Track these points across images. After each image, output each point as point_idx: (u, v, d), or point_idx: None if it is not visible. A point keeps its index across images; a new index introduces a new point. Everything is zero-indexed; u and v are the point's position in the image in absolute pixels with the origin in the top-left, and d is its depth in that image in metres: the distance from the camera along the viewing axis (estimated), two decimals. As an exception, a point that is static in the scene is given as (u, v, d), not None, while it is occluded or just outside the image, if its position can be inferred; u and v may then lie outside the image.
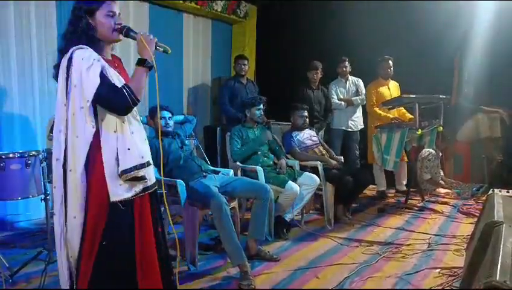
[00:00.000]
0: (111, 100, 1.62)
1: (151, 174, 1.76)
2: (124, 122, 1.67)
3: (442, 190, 4.77)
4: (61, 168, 1.61)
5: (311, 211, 4.03)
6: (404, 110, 4.62)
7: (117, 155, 1.62)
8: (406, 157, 4.54)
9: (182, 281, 2.43)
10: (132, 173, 1.64)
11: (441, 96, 4.09)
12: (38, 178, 2.68)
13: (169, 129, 3.06)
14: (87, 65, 1.57)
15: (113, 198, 1.62)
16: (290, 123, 4.09)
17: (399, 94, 4.53)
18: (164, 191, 1.90)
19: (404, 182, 4.79)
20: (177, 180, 2.72)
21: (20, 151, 2.76)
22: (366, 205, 4.39)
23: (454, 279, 2.41)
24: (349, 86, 4.78)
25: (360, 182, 3.82)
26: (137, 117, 1.79)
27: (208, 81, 5.88)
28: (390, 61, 4.55)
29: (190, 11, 5.44)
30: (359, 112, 4.82)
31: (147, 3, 4.88)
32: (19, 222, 3.70)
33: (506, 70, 4.41)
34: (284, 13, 5.86)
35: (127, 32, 1.71)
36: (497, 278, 1.14)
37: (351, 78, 4.81)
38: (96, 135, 1.62)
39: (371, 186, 4.70)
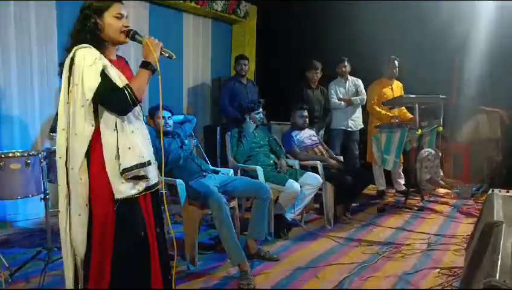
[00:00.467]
0: (111, 99, 1.63)
1: (152, 174, 1.77)
2: (124, 121, 1.67)
3: (441, 190, 4.77)
4: (64, 167, 1.63)
5: (311, 211, 4.03)
6: (405, 110, 4.62)
7: (117, 153, 1.62)
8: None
9: (182, 280, 2.43)
10: (133, 171, 1.64)
11: (441, 96, 4.08)
12: (38, 178, 2.67)
13: (169, 129, 3.06)
14: (88, 64, 1.58)
15: (118, 195, 1.62)
16: (290, 123, 4.09)
17: (402, 95, 4.53)
18: (164, 191, 1.90)
19: (402, 182, 4.78)
20: (177, 180, 2.72)
21: (20, 150, 2.77)
22: (366, 205, 4.39)
23: (454, 279, 2.41)
24: (348, 86, 4.78)
25: (359, 182, 3.82)
26: (139, 116, 1.79)
27: (208, 81, 5.88)
28: (396, 62, 4.55)
29: (190, 10, 5.44)
30: (359, 112, 4.81)
31: (147, 2, 4.88)
32: (18, 221, 3.70)
33: (506, 71, 4.41)
34: (284, 13, 5.86)
35: (134, 35, 1.72)
36: (497, 278, 1.14)
37: (350, 78, 4.81)
38: (96, 133, 1.62)
39: (371, 186, 4.70)
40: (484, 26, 4.58)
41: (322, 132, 4.73)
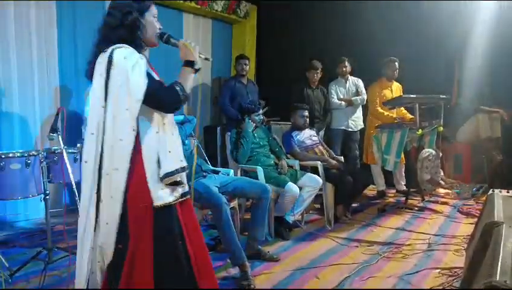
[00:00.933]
0: (162, 97, 1.57)
1: (185, 179, 1.70)
2: (165, 123, 1.62)
3: (442, 190, 4.76)
4: (92, 172, 1.53)
5: (311, 211, 4.03)
6: (405, 111, 4.62)
7: (158, 157, 1.55)
8: (403, 159, 4.52)
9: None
10: (173, 176, 1.57)
11: (441, 96, 4.09)
12: (38, 178, 2.67)
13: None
14: (131, 64, 1.50)
15: (157, 202, 1.54)
16: (290, 123, 4.09)
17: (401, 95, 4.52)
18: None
19: (403, 182, 4.79)
20: (177, 180, 2.71)
21: (20, 150, 2.77)
22: (366, 205, 4.38)
23: (454, 279, 2.41)
24: (349, 86, 4.78)
25: (360, 182, 3.81)
26: (172, 119, 1.71)
27: (208, 81, 5.88)
28: (396, 63, 4.54)
29: (190, 10, 5.45)
30: (359, 112, 4.81)
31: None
32: (18, 221, 3.70)
33: (506, 71, 4.41)
34: (284, 13, 5.86)
35: (168, 38, 1.69)
36: (497, 278, 1.14)
37: (350, 78, 4.81)
38: (136, 137, 1.54)
39: (371, 186, 4.71)
40: (484, 26, 4.58)
41: (322, 132, 4.74)
